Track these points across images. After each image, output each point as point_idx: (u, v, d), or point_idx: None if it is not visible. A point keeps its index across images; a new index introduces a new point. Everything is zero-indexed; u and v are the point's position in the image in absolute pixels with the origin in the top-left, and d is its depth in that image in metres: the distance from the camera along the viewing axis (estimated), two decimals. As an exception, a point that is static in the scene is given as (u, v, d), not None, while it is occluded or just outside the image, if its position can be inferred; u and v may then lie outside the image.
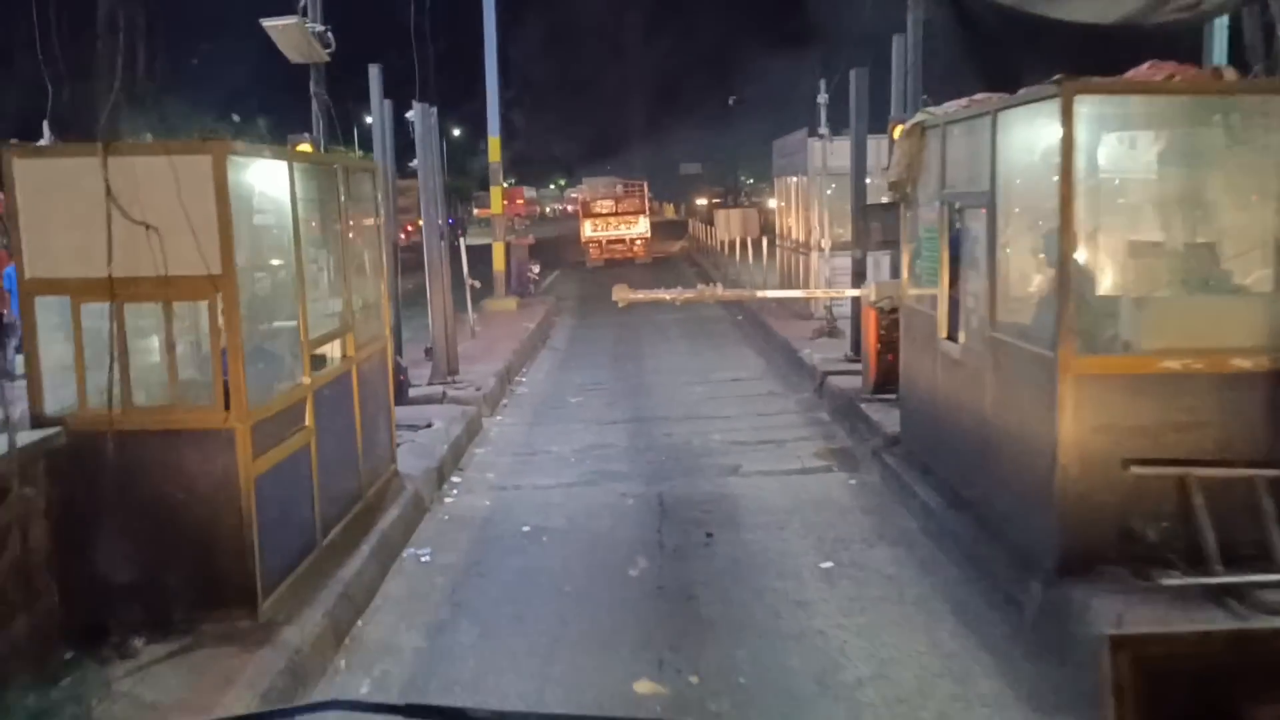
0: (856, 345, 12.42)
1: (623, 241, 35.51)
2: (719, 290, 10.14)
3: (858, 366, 11.83)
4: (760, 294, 10.73)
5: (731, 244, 28.79)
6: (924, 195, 8.00)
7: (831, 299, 11.40)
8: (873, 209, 10.36)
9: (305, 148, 9.40)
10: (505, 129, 21.31)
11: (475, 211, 73.96)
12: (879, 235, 9.25)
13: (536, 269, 23.73)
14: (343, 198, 7.34)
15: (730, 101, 55.81)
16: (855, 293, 10.70)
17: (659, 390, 13.25)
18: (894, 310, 10.02)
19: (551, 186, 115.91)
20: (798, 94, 28.20)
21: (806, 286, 17.34)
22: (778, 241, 20.59)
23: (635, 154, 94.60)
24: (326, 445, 6.49)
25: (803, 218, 17.66)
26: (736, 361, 15.13)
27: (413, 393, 11.98)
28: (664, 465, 9.45)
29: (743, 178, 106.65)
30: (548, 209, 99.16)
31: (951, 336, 7.33)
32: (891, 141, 8.41)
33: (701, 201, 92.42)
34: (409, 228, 39.50)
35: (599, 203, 36.44)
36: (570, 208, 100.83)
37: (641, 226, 36.01)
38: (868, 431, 9.58)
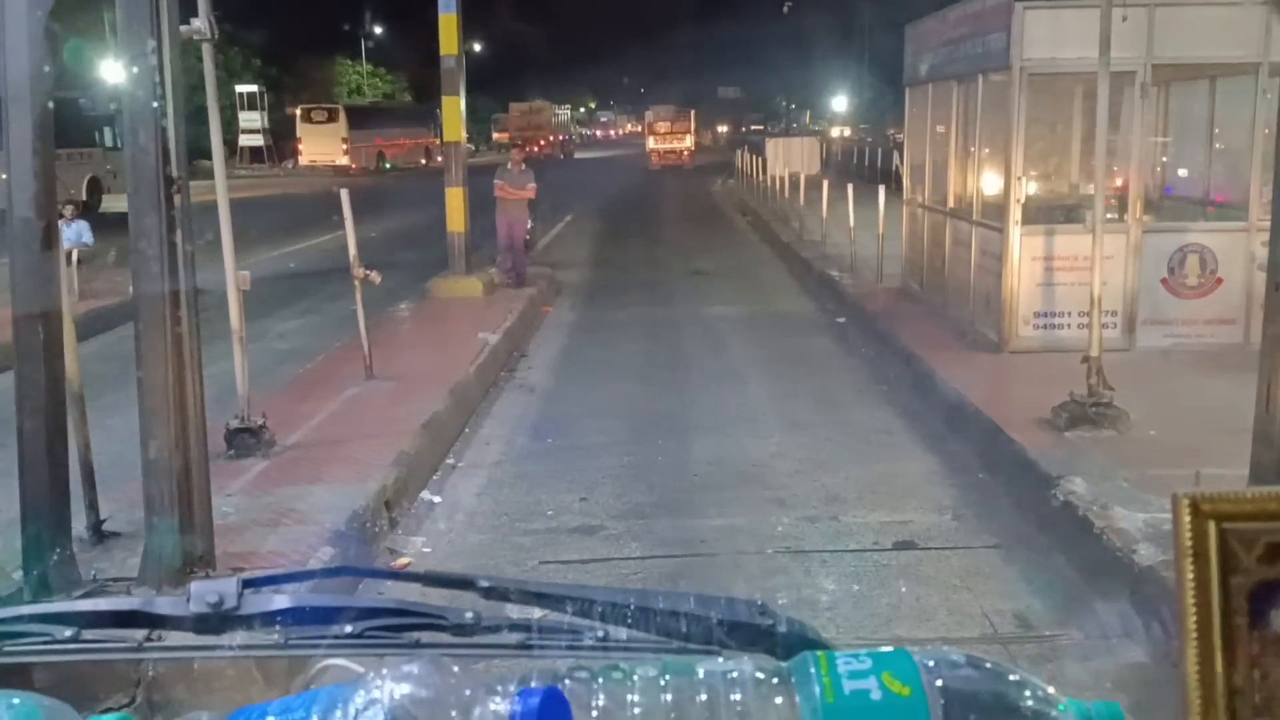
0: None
1: (675, 151, 48.25)
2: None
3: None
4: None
5: (786, 182, 22.75)
6: None
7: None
8: None
9: None
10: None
11: (494, 135, 64.98)
12: None
13: (529, 225, 15.77)
14: None
15: (784, 8, 51.22)
16: None
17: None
18: None
19: (581, 110, 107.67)
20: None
21: (985, 279, 9.40)
22: (905, 197, 12.54)
23: (674, 78, 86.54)
24: None
25: (984, 157, 9.63)
26: (879, 463, 7.20)
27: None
28: None
29: (783, 102, 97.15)
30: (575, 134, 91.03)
31: None
32: None
33: (723, 129, 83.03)
34: (541, 142, 53.95)
35: (659, 124, 49.64)
36: (599, 133, 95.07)
37: (688, 142, 49.58)
38: None
